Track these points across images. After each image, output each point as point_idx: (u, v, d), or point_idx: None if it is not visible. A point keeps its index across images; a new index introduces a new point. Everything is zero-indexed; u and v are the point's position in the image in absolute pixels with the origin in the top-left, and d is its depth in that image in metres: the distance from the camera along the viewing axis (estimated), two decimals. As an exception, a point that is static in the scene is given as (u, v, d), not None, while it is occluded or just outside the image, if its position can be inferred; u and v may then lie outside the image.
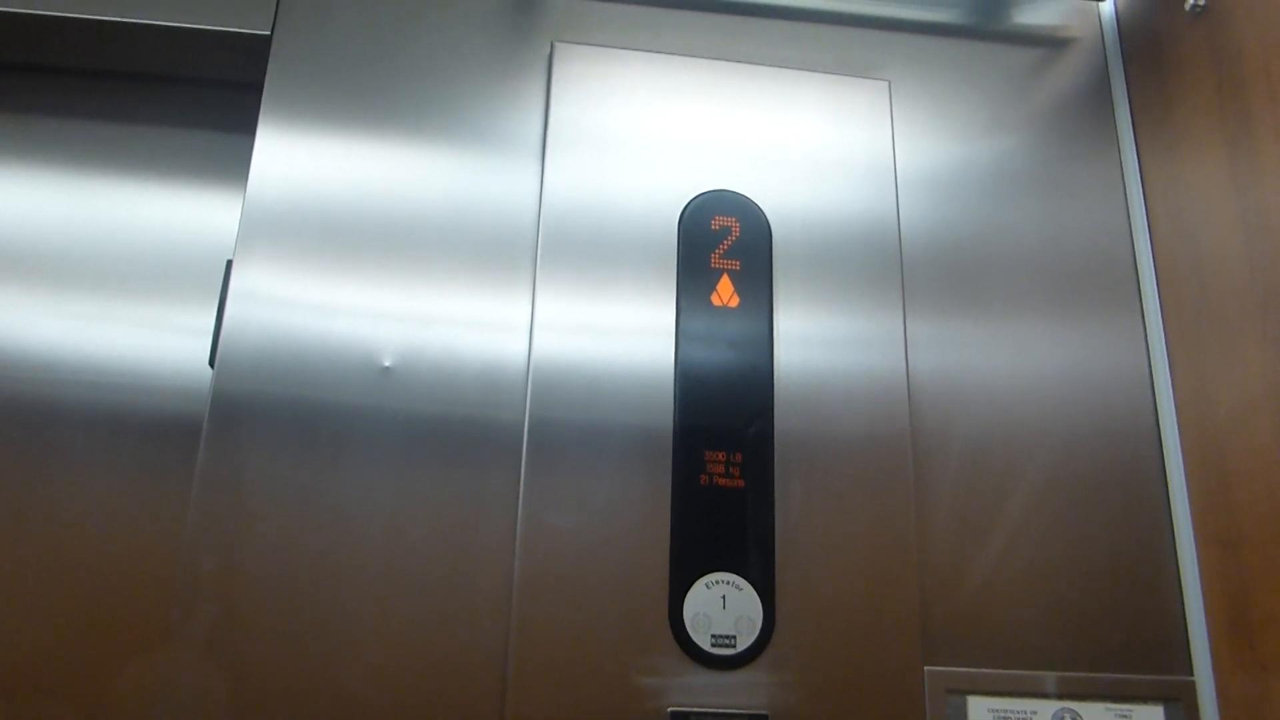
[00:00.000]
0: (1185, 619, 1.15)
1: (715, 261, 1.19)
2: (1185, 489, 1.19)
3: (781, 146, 1.26)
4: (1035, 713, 1.09)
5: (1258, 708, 1.05)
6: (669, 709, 1.03)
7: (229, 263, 1.14)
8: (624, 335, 1.15)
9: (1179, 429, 1.21)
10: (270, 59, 1.23)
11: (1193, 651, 1.13)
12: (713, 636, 1.06)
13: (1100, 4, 1.42)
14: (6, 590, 1.15)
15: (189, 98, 1.36)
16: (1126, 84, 1.37)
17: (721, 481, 1.11)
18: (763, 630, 1.07)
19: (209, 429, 1.07)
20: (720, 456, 1.12)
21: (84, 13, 1.24)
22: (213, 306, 1.20)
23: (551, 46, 1.27)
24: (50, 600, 1.15)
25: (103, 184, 1.31)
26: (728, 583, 1.08)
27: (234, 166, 1.29)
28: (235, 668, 1.00)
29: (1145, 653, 1.13)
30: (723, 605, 1.07)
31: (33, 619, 1.14)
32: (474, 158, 1.22)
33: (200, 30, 1.25)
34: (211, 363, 1.12)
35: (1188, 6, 1.23)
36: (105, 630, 1.14)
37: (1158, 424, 1.22)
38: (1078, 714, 1.10)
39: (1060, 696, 1.10)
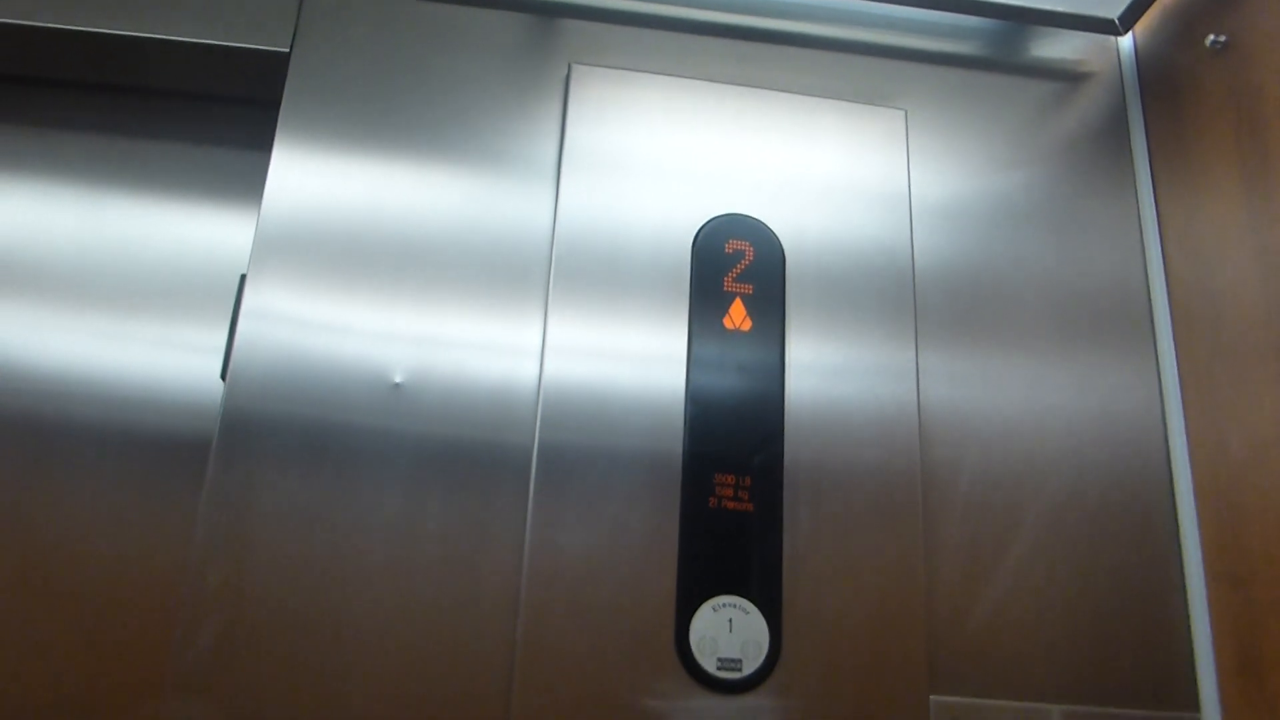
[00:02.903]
0: (1193, 656, 1.14)
1: (728, 285, 1.19)
2: (1196, 525, 1.18)
3: (797, 172, 1.26)
4: (1040, 746, 1.09)
5: (1265, 747, 1.05)
6: (675, 733, 1.03)
7: (243, 277, 1.14)
8: (635, 359, 1.15)
9: (1191, 466, 1.20)
10: (288, 76, 1.23)
11: (1200, 689, 1.13)
12: (719, 660, 1.05)
13: (1119, 39, 1.42)
14: (14, 604, 1.15)
15: (206, 114, 1.36)
16: (1144, 119, 1.36)
17: (730, 504, 1.11)
18: (769, 654, 1.06)
19: (219, 444, 1.07)
20: (729, 480, 1.11)
21: (102, 28, 1.24)
22: (225, 324, 1.20)
23: (569, 68, 1.27)
24: (57, 613, 1.15)
25: (117, 199, 1.31)
26: (735, 606, 1.07)
27: (249, 183, 1.29)
28: (240, 683, 1.00)
29: (1152, 689, 1.13)
30: (729, 628, 1.07)
31: (39, 633, 1.14)
32: (489, 179, 1.22)
33: (219, 47, 1.25)
34: (223, 377, 1.12)
35: (1207, 43, 1.23)
36: (112, 644, 1.14)
37: (1169, 460, 1.22)
38: (1083, 749, 1.10)
39: (1066, 731, 1.10)
